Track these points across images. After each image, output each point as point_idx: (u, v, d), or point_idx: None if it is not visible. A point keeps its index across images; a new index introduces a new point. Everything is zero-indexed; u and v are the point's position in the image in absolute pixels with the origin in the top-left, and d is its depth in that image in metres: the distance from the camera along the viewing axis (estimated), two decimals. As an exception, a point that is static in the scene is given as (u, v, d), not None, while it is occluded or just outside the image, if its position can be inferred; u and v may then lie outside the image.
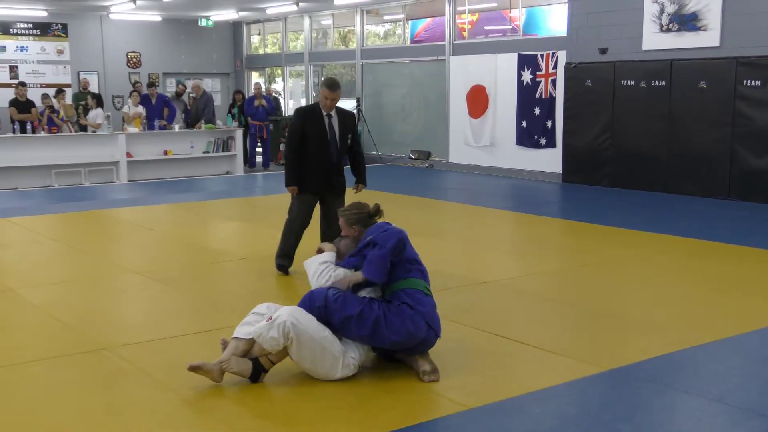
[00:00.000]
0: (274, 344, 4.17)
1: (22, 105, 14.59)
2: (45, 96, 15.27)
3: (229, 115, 16.72)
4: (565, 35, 13.26)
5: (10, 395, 4.17)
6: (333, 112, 6.61)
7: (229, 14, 19.69)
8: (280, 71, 21.44)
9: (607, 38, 12.40)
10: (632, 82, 12.06)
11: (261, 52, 21.91)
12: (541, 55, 13.66)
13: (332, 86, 6.46)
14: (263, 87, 17.78)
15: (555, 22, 14.36)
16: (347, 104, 19.52)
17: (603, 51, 12.46)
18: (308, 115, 6.63)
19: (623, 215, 10.10)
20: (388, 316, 4.29)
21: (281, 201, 11.73)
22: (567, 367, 4.57)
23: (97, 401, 4.08)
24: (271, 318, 4.20)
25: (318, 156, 6.60)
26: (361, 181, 7.02)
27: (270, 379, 4.30)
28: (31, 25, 18.79)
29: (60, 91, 15.62)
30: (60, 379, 4.39)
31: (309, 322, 4.23)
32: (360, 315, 4.26)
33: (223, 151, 15.72)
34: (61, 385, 4.30)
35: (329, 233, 6.74)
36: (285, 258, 6.85)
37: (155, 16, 19.88)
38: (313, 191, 6.71)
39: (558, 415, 3.94)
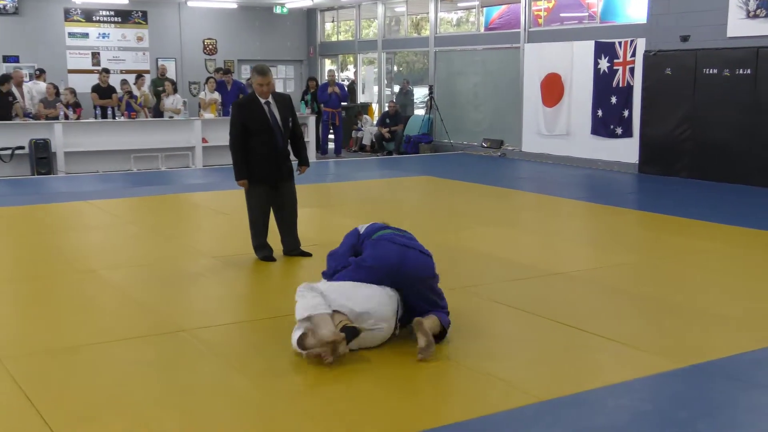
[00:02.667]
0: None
1: (103, 91, 14.98)
2: (124, 82, 15.65)
3: (303, 101, 16.85)
4: (645, 22, 12.93)
5: (94, 374, 4.30)
6: (270, 99, 6.63)
7: (303, 1, 19.83)
8: (352, 58, 21.50)
9: (688, 25, 12.04)
10: (715, 71, 11.70)
11: (334, 39, 22.01)
12: (619, 43, 13.35)
13: (263, 72, 6.51)
14: (336, 74, 17.88)
15: (634, 8, 14.01)
16: (419, 92, 19.52)
17: (684, 38, 12.10)
18: (247, 106, 6.66)
19: (702, 207, 9.83)
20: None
21: (353, 188, 11.82)
22: (643, 362, 4.48)
23: (174, 382, 4.18)
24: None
25: (265, 145, 6.63)
26: (303, 162, 7.06)
27: (335, 364, 4.33)
28: (112, 13, 19.27)
29: (139, 77, 15.99)
30: (139, 359, 4.50)
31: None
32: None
33: (295, 137, 15.83)
34: (141, 365, 4.42)
35: (284, 222, 6.88)
36: (263, 249, 6.89)
37: (231, 4, 20.15)
38: (265, 181, 6.73)
39: (633, 410, 3.86)
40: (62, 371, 4.34)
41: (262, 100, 6.60)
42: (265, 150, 6.64)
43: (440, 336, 4.69)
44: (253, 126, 6.59)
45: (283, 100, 6.80)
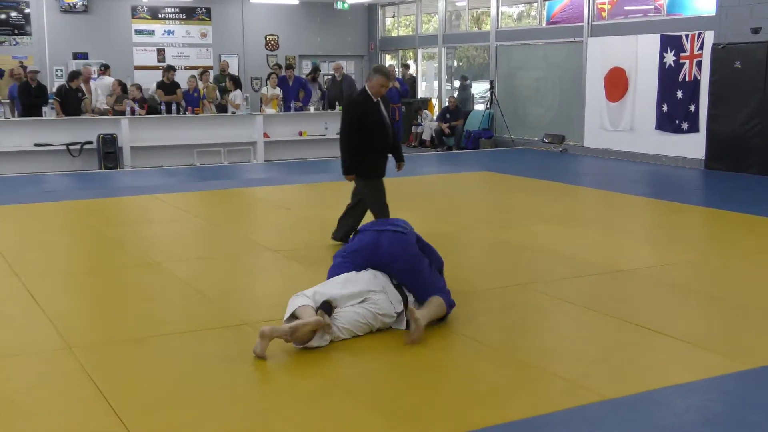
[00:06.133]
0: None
1: (168, 87, 15.24)
2: (192, 78, 15.85)
3: (363, 97, 16.87)
4: (714, 14, 12.61)
5: (161, 364, 4.39)
6: (378, 98, 6.83)
7: (364, -3, 19.87)
8: (412, 53, 21.47)
9: (760, 16, 11.69)
10: (787, 64, 11.36)
11: (394, 34, 22.01)
12: (686, 36, 13.05)
13: (389, 75, 6.76)
14: (397, 69, 17.86)
15: (702, 0, 13.68)
16: (481, 87, 19.39)
17: (756, 30, 11.76)
18: (364, 104, 6.83)
19: (773, 205, 9.56)
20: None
21: (412, 183, 11.79)
22: (711, 362, 4.37)
23: (237, 374, 4.23)
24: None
25: (378, 141, 6.85)
26: (400, 159, 7.30)
27: (390, 366, 4.33)
28: (177, 10, 19.61)
29: (204, 72, 16.24)
30: (204, 351, 4.57)
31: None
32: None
33: (356, 132, 15.89)
34: (205, 357, 4.48)
35: (355, 212, 7.10)
36: None
37: (293, 0, 20.30)
38: (380, 174, 6.97)
39: (702, 411, 3.77)
40: (130, 362, 4.44)
41: (374, 99, 6.77)
42: (379, 145, 6.88)
43: (443, 317, 4.95)
44: (369, 123, 6.77)
45: (385, 100, 7.03)
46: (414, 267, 4.99)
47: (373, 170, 6.92)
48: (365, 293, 4.77)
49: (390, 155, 7.15)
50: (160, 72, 16.18)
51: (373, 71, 6.90)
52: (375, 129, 6.78)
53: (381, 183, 6.99)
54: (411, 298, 4.95)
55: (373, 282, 4.86)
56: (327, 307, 4.62)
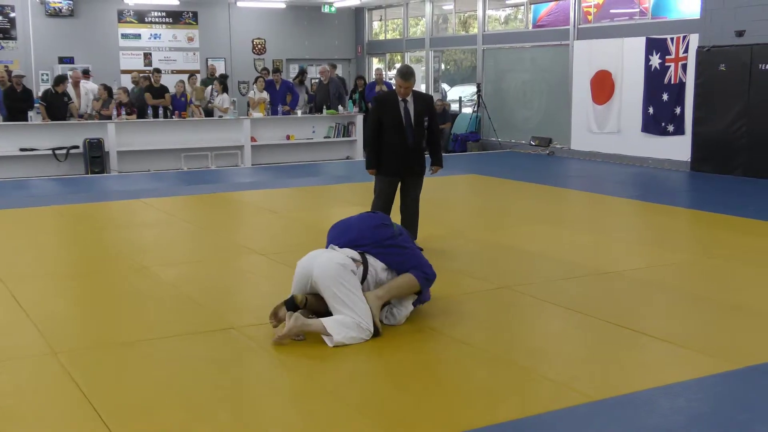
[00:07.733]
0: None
1: (156, 91, 15.18)
2: (180, 82, 15.80)
3: (350, 100, 16.90)
4: (698, 17, 12.69)
5: (147, 369, 4.37)
6: (409, 98, 6.87)
7: (351, 0, 19.86)
8: (400, 57, 21.50)
9: (744, 20, 11.78)
10: (771, 66, 11.44)
11: (382, 37, 22.03)
12: (671, 39, 13.13)
13: (405, 76, 6.76)
14: (384, 73, 17.87)
15: (686, 4, 13.77)
16: (468, 90, 19.45)
17: (740, 33, 11.85)
18: (385, 102, 6.98)
19: (758, 206, 9.61)
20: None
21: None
22: (697, 362, 4.39)
23: (225, 377, 4.22)
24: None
25: (395, 140, 6.90)
26: (436, 162, 7.29)
27: (378, 368, 4.32)
28: (164, 14, 19.56)
29: (191, 76, 16.20)
30: (192, 355, 4.56)
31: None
32: None
33: (343, 136, 15.93)
34: (193, 360, 4.47)
35: (406, 213, 7.12)
36: None
37: (280, 3, 20.29)
38: (392, 173, 7.01)
39: (688, 412, 3.79)
40: (116, 366, 4.41)
41: (400, 98, 6.84)
42: (396, 144, 6.91)
43: (419, 294, 5.01)
44: (387, 121, 6.88)
45: (423, 100, 7.05)
46: (381, 241, 5.00)
47: (385, 167, 6.98)
48: (307, 274, 4.87)
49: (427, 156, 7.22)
50: (147, 76, 16.12)
51: (396, 72, 7.03)
52: (392, 126, 6.86)
53: (390, 183, 7.02)
54: (380, 265, 4.95)
55: (310, 257, 5.00)
56: (291, 304, 4.78)
